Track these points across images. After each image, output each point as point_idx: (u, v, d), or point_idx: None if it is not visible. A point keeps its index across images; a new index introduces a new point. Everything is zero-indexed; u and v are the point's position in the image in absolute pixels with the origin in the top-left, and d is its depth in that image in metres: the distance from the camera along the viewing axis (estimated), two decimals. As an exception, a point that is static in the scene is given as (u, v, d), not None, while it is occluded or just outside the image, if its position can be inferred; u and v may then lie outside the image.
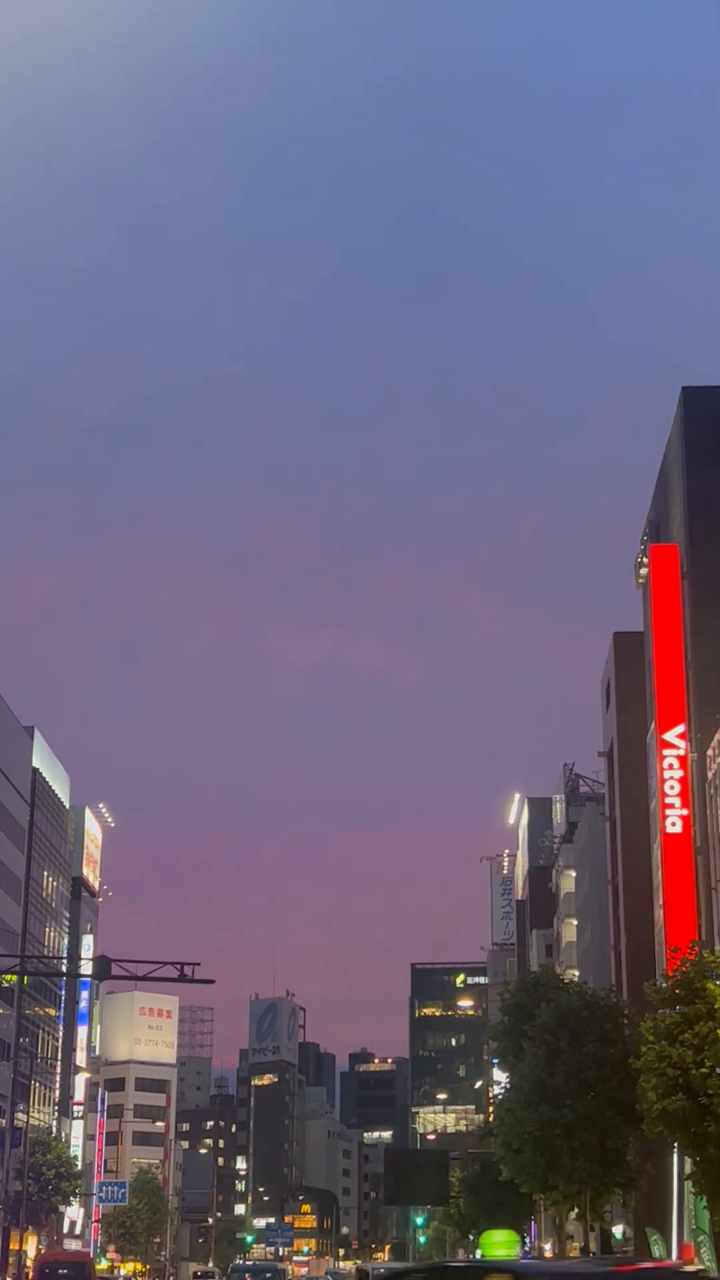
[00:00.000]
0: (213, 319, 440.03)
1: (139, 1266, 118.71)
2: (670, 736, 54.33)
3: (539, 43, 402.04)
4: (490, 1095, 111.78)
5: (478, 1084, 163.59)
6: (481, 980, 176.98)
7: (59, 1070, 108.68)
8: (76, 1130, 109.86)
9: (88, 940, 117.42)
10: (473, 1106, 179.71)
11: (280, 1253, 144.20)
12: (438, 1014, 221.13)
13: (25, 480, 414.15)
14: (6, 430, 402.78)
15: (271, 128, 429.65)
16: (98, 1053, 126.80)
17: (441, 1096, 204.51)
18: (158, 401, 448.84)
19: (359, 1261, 60.93)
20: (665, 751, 54.28)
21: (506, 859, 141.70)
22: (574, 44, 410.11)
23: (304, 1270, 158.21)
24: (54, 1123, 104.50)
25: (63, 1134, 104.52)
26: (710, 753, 50.96)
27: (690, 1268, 20.68)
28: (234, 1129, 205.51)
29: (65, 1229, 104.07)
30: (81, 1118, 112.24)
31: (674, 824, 53.50)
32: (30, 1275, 67.54)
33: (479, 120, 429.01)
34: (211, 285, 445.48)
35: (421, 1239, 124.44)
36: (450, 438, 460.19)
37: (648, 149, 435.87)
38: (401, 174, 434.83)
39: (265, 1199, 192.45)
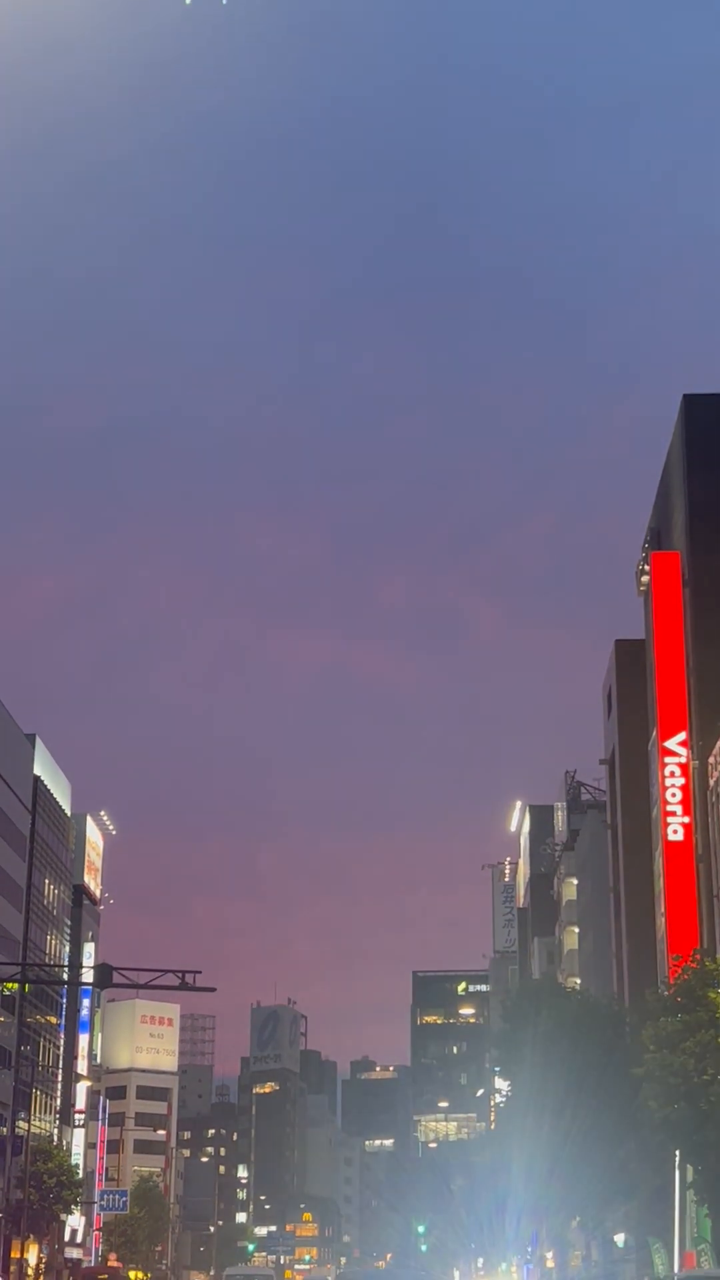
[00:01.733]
0: (216, 323, 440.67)
1: (140, 1275, 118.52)
2: (672, 744, 54.29)
3: (544, 50, 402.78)
4: (492, 1103, 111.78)
5: (479, 1092, 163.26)
6: (483, 988, 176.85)
7: (60, 1078, 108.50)
8: (78, 1138, 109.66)
9: (89, 948, 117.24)
10: (474, 1114, 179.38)
11: (282, 1260, 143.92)
12: (439, 1021, 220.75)
13: (27, 485, 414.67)
14: (8, 435, 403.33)
15: (275, 134, 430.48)
16: (99, 1061, 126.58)
17: (443, 1104, 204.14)
18: (160, 406, 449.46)
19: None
20: (667, 759, 54.23)
21: (508, 866, 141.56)
22: (579, 52, 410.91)
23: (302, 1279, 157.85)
24: (55, 1131, 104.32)
25: (64, 1142, 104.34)
26: (712, 760, 50.92)
27: None
28: (235, 1137, 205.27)
29: (66, 1237, 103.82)
30: (83, 1126, 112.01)
31: (675, 831, 53.44)
32: None
33: (484, 126, 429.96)
34: (215, 290, 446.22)
35: (423, 1247, 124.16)
36: (453, 444, 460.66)
37: (652, 158, 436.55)
38: (405, 180, 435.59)
39: (267, 1207, 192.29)
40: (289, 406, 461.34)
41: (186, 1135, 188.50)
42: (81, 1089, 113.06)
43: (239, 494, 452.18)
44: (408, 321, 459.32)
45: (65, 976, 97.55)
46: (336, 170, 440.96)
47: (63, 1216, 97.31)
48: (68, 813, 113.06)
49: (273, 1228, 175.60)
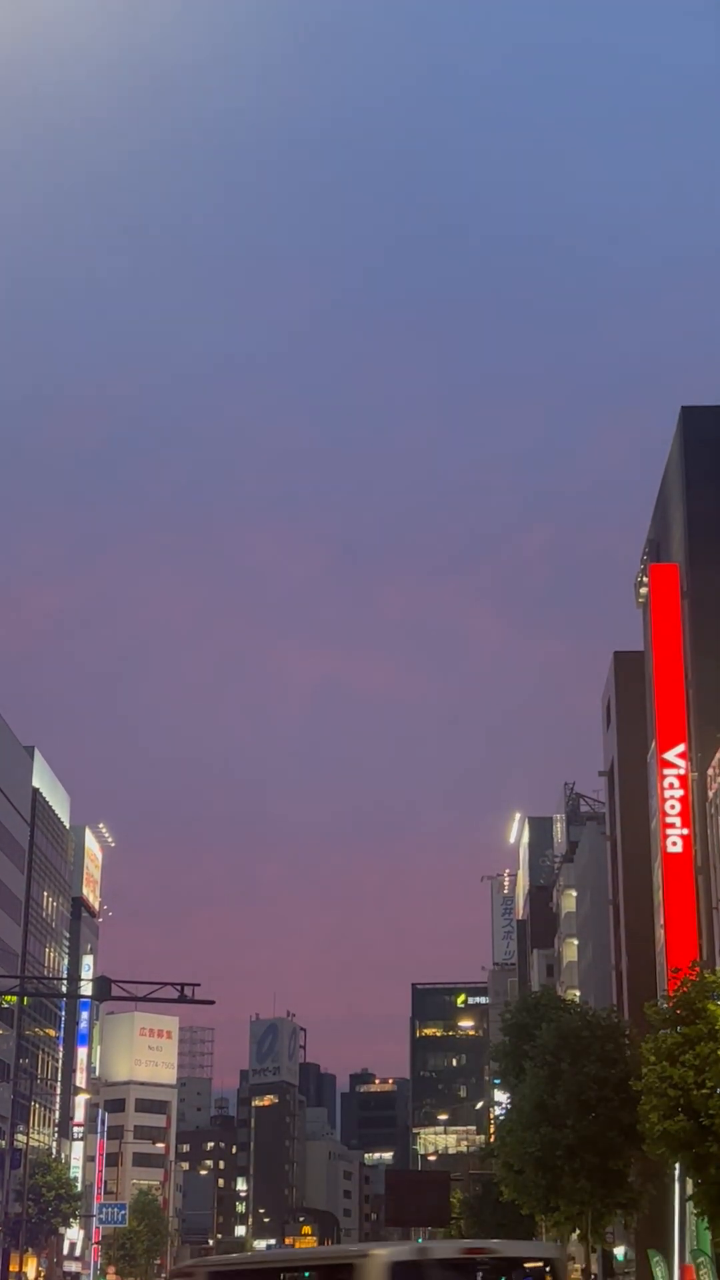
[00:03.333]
0: (217, 334, 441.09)
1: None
2: (671, 756, 54.30)
3: (546, 64, 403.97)
4: (491, 1116, 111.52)
5: (479, 1104, 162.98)
6: (482, 1000, 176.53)
7: (59, 1091, 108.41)
8: (76, 1151, 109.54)
9: (88, 960, 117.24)
10: (474, 1127, 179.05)
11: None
12: (439, 1034, 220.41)
13: (26, 497, 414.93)
14: (8, 447, 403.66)
15: (278, 143, 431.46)
16: (98, 1074, 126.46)
17: (442, 1117, 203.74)
18: (160, 417, 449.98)
19: None
20: (666, 771, 54.22)
21: (507, 878, 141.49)
22: (579, 66, 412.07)
23: None
24: (54, 1144, 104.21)
25: (63, 1155, 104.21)
26: (711, 772, 50.94)
27: None
28: (234, 1150, 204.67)
29: (65, 1251, 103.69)
30: (81, 1139, 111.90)
31: (674, 843, 53.44)
32: None
33: (485, 139, 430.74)
34: (216, 300, 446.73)
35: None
36: (453, 456, 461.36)
37: (651, 169, 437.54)
38: (406, 190, 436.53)
39: (266, 1220, 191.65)
40: (289, 418, 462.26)
41: (185, 1148, 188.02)
42: (80, 1102, 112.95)
43: (239, 506, 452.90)
44: (408, 334, 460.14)
45: (64, 989, 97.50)
46: (338, 180, 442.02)
47: (61, 1230, 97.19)
48: (66, 825, 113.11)
49: (272, 1241, 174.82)
